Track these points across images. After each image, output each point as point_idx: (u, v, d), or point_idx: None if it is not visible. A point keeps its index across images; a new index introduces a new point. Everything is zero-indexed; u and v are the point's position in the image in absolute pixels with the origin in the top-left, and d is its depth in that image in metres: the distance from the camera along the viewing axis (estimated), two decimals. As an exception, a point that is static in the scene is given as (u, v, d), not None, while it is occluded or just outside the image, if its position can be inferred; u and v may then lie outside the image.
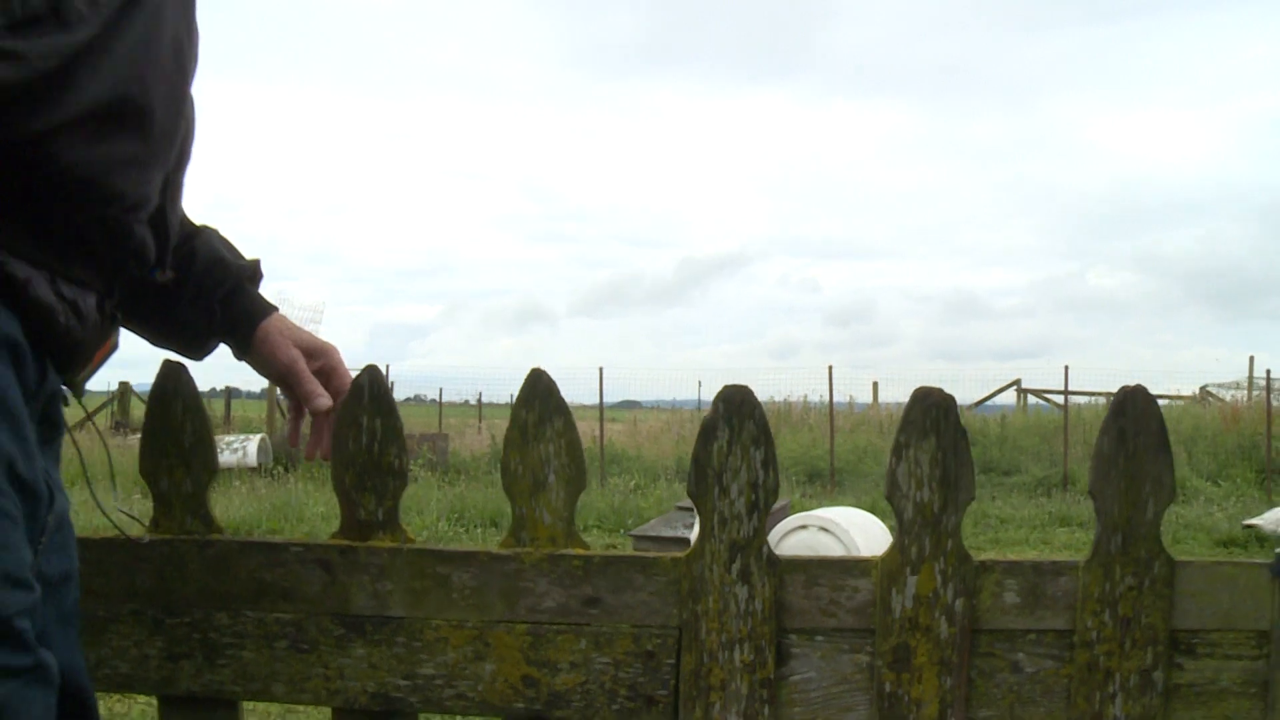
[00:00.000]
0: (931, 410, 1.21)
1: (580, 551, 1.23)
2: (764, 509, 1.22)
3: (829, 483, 12.61)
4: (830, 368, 14.40)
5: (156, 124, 0.96)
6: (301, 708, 3.03)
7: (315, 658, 1.25)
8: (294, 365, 1.21)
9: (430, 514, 8.58)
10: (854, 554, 5.18)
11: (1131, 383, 1.26)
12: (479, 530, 8.36)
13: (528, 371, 1.25)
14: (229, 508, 8.16)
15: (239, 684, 1.27)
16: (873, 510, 9.47)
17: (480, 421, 20.98)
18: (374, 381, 1.26)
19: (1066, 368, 15.56)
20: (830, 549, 5.28)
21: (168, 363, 1.27)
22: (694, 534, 3.95)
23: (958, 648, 1.23)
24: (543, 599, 1.23)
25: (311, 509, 8.02)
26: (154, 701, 1.34)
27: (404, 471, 1.27)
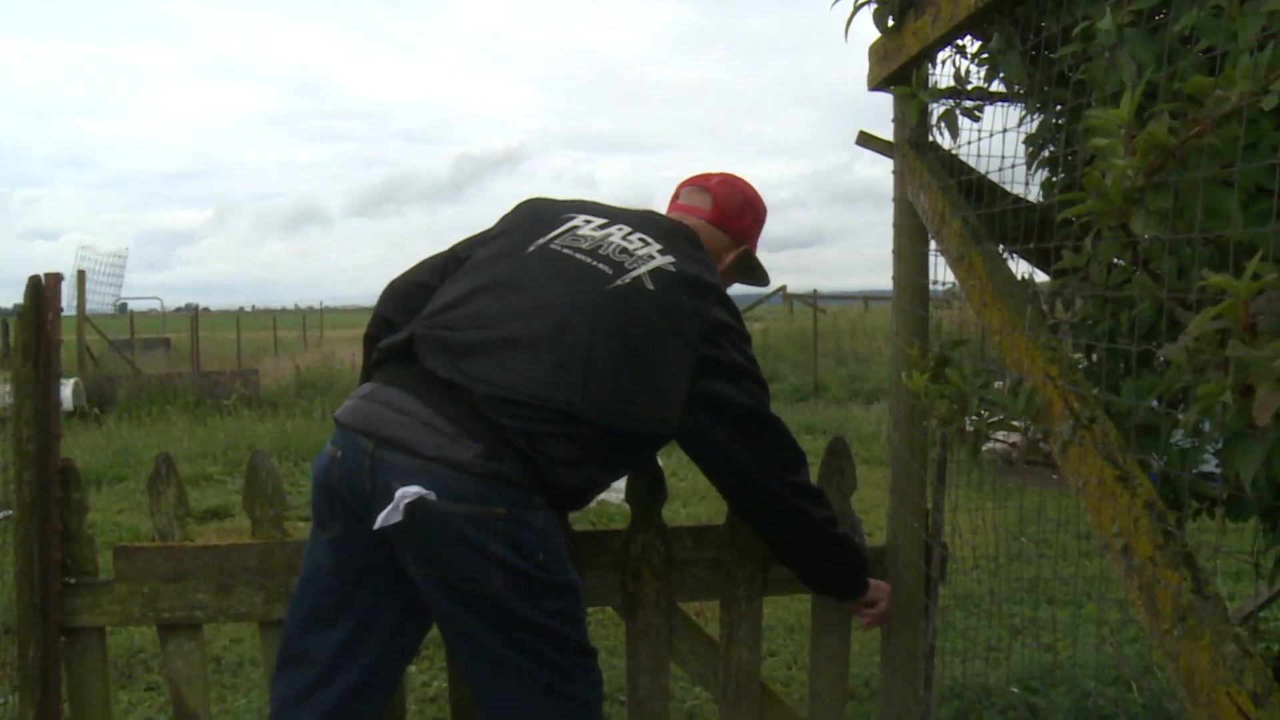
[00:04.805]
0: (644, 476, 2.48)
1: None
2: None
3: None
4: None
5: None
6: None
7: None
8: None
9: (269, 452, 9.11)
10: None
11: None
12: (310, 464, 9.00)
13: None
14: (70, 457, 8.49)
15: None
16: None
17: (275, 351, 20.90)
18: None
19: (815, 290, 17.08)
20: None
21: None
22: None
23: (663, 568, 2.51)
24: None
25: (147, 454, 8.46)
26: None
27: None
